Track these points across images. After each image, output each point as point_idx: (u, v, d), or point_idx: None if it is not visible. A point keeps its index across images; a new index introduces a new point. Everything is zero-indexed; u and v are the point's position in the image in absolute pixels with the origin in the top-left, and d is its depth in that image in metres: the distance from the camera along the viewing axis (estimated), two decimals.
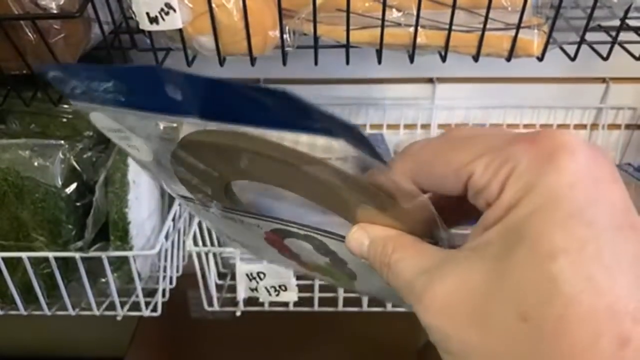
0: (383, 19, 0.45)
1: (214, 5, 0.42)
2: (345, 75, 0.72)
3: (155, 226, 0.57)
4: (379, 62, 0.49)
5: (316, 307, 0.58)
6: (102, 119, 0.20)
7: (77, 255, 0.50)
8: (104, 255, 0.50)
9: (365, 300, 0.59)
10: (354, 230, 0.21)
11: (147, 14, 0.42)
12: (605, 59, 0.51)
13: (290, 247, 0.26)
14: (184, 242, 0.59)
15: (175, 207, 0.57)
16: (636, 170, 0.68)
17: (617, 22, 0.49)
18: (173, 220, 0.56)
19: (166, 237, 0.55)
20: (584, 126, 0.74)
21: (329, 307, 0.59)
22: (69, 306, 0.54)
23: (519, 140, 0.18)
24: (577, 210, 0.16)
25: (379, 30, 0.46)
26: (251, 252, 0.32)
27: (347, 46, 0.48)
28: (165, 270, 0.57)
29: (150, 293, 0.57)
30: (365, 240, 0.21)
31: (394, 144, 0.70)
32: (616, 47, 0.51)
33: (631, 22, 0.52)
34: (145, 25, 0.43)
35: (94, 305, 0.54)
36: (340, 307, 0.58)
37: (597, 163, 0.17)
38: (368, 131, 0.75)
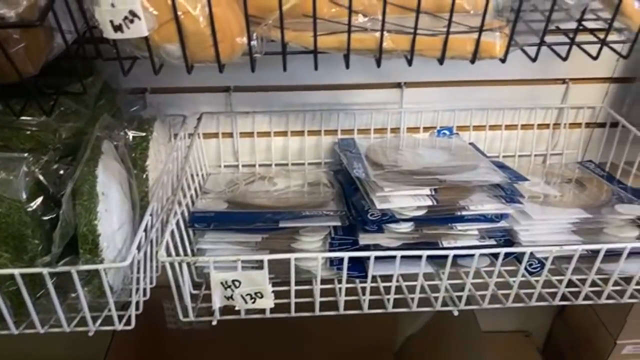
0: (349, 24, 0.45)
1: (179, 12, 0.42)
2: (315, 81, 0.72)
3: (126, 238, 0.56)
4: (347, 66, 0.50)
5: (293, 313, 0.57)
6: None
7: (44, 270, 0.48)
8: (73, 269, 0.48)
9: (342, 304, 0.59)
10: None
11: (111, 22, 0.41)
12: (565, 59, 0.53)
13: None
14: (156, 252, 0.58)
15: (147, 218, 0.56)
16: (597, 167, 0.71)
17: (574, 24, 0.51)
18: (145, 231, 0.55)
19: (138, 249, 0.53)
20: (546, 125, 0.76)
21: (305, 312, 0.58)
22: (38, 324, 0.52)
23: None
24: None
25: (345, 35, 0.46)
26: None
27: (314, 52, 0.48)
28: (138, 283, 0.55)
29: (123, 306, 0.56)
30: None
31: (365, 147, 0.71)
32: (575, 49, 0.53)
33: (588, 24, 0.54)
34: (109, 33, 0.42)
35: (64, 321, 0.52)
36: (317, 312, 0.58)
37: None
38: (340, 136, 0.75)
